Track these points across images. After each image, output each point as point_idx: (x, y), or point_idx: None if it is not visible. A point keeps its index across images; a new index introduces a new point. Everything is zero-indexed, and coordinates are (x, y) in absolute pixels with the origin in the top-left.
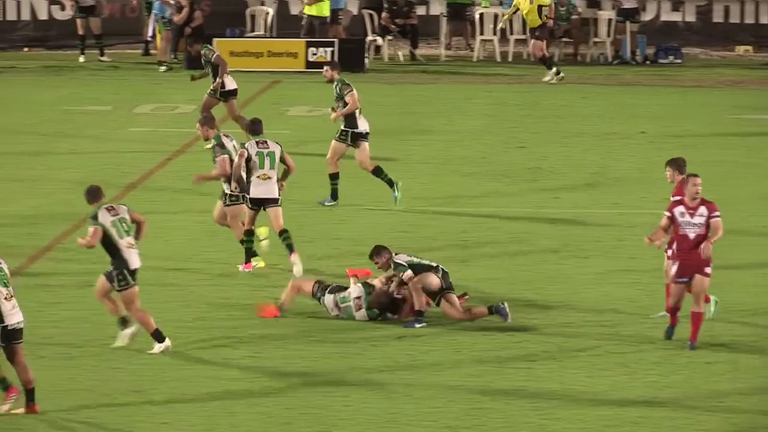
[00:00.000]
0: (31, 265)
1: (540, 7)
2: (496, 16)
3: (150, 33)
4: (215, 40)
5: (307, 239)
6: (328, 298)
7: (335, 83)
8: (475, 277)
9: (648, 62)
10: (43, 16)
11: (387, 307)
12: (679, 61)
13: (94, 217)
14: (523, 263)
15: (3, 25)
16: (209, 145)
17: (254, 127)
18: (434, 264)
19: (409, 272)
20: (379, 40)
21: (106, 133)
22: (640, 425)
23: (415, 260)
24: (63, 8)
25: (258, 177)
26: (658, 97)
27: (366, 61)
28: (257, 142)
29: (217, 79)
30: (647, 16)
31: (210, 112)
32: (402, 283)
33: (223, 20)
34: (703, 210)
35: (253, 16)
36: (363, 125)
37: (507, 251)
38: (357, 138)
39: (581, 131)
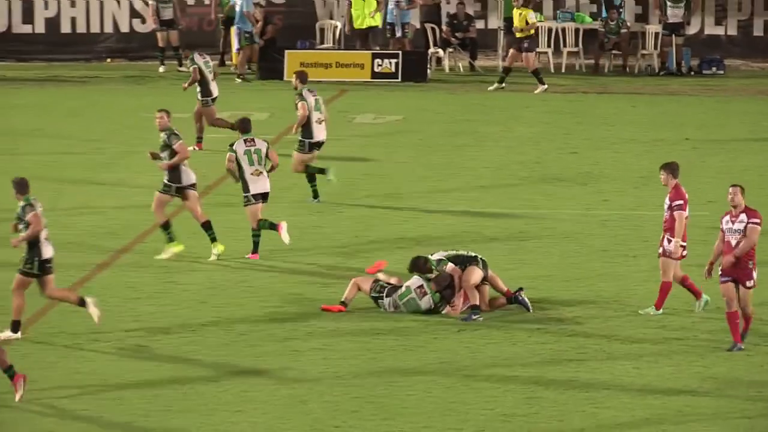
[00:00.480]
0: (112, 263)
1: (526, 21)
2: (550, 30)
3: (237, 46)
4: (287, 51)
5: (371, 239)
6: (387, 301)
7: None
8: (531, 274)
9: (692, 73)
10: (125, 28)
11: (449, 287)
12: (721, 72)
13: (32, 206)
14: (576, 261)
15: (88, 38)
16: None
17: (244, 126)
18: (473, 254)
19: (450, 264)
20: (440, 52)
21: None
22: (684, 413)
23: (453, 253)
24: (144, 21)
25: (251, 174)
26: (702, 106)
27: (428, 71)
28: (245, 141)
29: (185, 85)
30: (692, 30)
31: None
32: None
33: (294, 33)
34: (743, 217)
35: (322, 30)
36: (319, 135)
37: (560, 250)
38: (313, 147)
39: (631, 138)
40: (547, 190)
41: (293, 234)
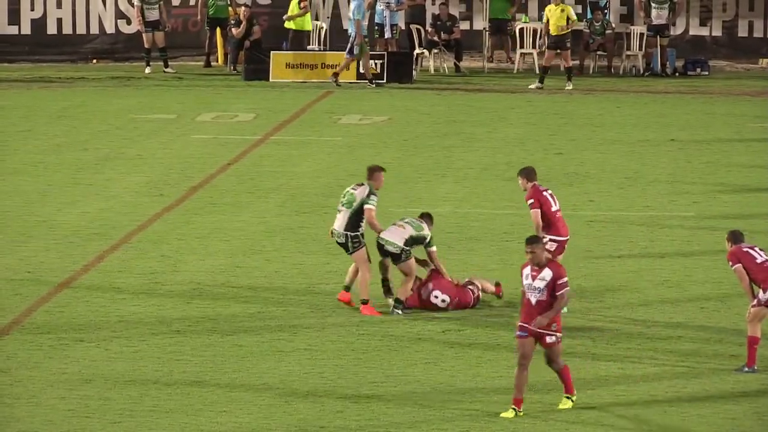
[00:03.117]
0: (99, 263)
1: (568, 18)
2: (535, 31)
3: (347, 52)
4: (272, 52)
5: None
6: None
7: None
8: (516, 275)
9: (677, 74)
10: (110, 30)
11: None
12: (706, 73)
13: None
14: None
15: (73, 39)
16: None
17: None
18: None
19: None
20: (426, 53)
21: (171, 140)
22: (669, 413)
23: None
24: (129, 23)
25: None
26: (686, 107)
27: (414, 72)
28: None
29: None
30: (676, 31)
31: None
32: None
33: (280, 34)
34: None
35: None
36: None
37: None
38: None
39: (616, 139)
40: None
41: (280, 234)
